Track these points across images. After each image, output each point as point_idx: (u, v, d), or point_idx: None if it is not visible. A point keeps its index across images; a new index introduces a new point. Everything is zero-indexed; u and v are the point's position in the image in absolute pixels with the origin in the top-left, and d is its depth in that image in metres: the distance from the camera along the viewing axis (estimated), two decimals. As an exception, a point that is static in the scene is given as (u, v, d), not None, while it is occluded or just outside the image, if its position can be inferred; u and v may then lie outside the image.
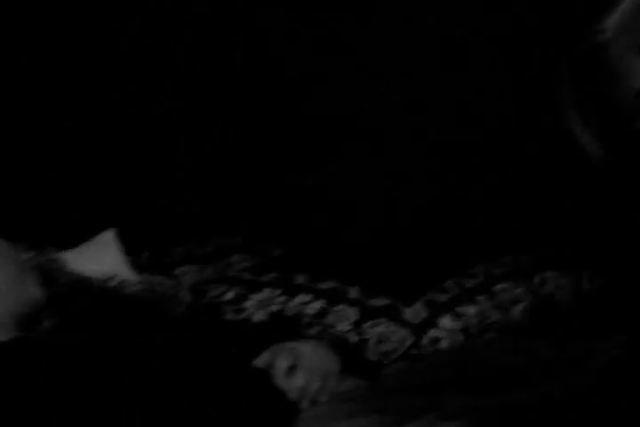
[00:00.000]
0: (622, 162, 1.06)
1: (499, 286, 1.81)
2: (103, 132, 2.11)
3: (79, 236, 1.87)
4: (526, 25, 1.95)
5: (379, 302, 1.77)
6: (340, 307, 1.76)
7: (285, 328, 1.75)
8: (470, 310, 1.76)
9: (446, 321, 1.74)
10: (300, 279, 1.83)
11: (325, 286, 1.81)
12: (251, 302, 1.80)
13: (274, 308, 1.79)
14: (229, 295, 1.82)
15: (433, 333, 1.73)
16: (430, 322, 1.74)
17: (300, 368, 1.51)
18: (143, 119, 2.11)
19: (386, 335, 1.72)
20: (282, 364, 1.51)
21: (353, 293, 1.79)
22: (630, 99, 0.99)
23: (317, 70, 2.06)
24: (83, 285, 1.59)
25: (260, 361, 1.52)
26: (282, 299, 1.80)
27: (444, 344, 1.72)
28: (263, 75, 2.08)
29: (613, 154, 1.03)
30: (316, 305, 1.77)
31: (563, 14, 1.79)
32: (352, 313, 1.75)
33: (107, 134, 2.11)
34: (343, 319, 1.74)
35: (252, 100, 2.10)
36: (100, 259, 1.75)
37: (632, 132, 1.03)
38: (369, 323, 1.73)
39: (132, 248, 1.87)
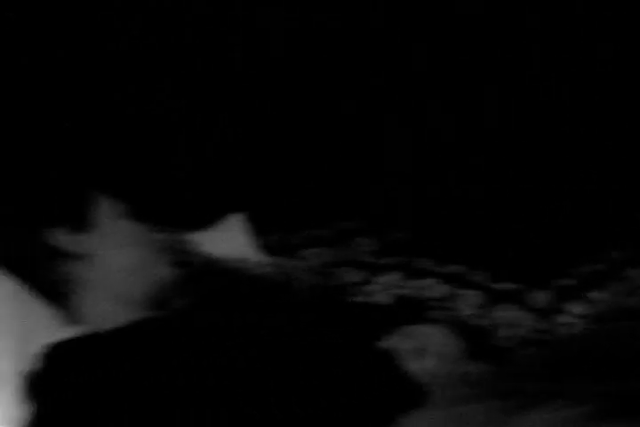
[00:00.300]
0: None
1: (630, 271, 1.78)
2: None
3: (210, 218, 1.89)
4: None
5: (505, 286, 1.75)
6: (466, 291, 1.75)
7: (410, 312, 1.75)
8: (601, 295, 1.74)
9: (575, 307, 1.71)
10: (425, 263, 1.83)
11: (451, 269, 1.80)
12: (376, 286, 1.80)
13: (398, 291, 1.78)
14: (354, 278, 1.82)
15: (561, 318, 1.70)
16: (558, 307, 1.72)
17: (428, 352, 1.51)
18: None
19: (512, 320, 1.70)
20: (409, 347, 1.51)
21: (479, 277, 1.77)
22: None
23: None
24: (213, 266, 1.61)
25: (388, 343, 1.52)
26: (406, 283, 1.79)
27: (572, 330, 1.70)
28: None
29: None
30: (441, 289, 1.76)
31: None
32: (478, 298, 1.74)
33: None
34: (469, 304, 1.73)
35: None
36: (231, 241, 1.77)
37: None
38: (495, 308, 1.72)
39: (261, 230, 1.88)
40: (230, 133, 2.11)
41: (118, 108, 2.09)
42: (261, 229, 1.87)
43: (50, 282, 1.64)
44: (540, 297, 1.73)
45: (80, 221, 1.66)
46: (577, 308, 1.71)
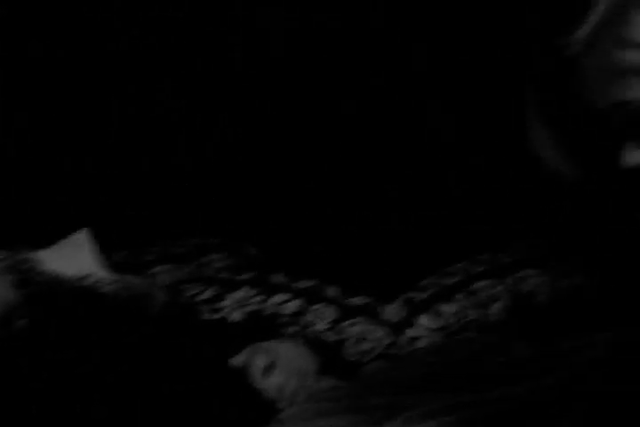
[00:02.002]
0: (593, 178, 1.05)
1: (477, 284, 1.81)
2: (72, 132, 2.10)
3: (53, 235, 1.85)
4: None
5: (357, 300, 1.76)
6: (318, 306, 1.75)
7: (263, 328, 1.74)
8: (449, 308, 1.76)
9: (425, 320, 1.73)
10: (278, 278, 1.82)
11: (303, 284, 1.80)
12: (227, 302, 1.79)
13: (251, 307, 1.77)
14: (206, 295, 1.80)
15: (411, 331, 1.72)
16: (409, 321, 1.73)
17: (278, 367, 1.50)
18: (111, 120, 2.10)
19: (364, 334, 1.71)
20: (258, 363, 1.50)
21: (331, 291, 1.77)
22: (607, 111, 0.98)
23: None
24: (57, 284, 1.57)
25: (237, 361, 1.51)
26: (259, 298, 1.78)
27: (422, 343, 1.71)
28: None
29: (584, 170, 1.02)
30: (294, 304, 1.76)
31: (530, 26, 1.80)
32: (330, 312, 1.74)
33: (78, 135, 2.10)
34: (321, 318, 1.73)
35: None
36: (75, 258, 1.73)
37: (607, 148, 1.03)
38: (347, 322, 1.72)
39: (107, 247, 1.85)
40: (75, 149, 2.07)
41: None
42: (108, 246, 1.83)
43: None
44: (391, 311, 1.74)
45: None
46: (427, 321, 1.73)
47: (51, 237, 1.82)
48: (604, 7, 0.95)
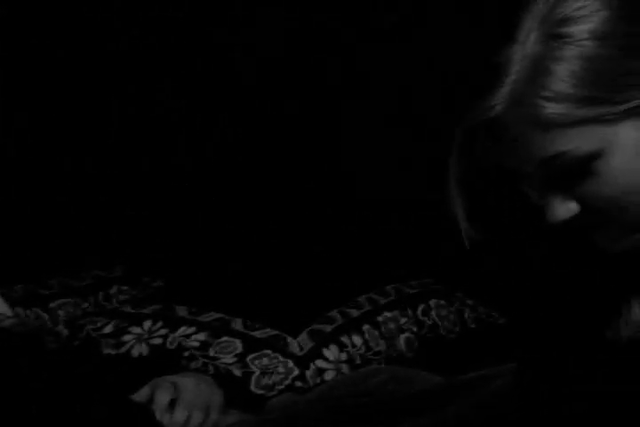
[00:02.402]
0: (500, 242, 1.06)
1: (384, 316, 1.80)
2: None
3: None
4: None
5: (263, 333, 1.74)
6: (224, 339, 1.72)
7: (167, 362, 1.70)
8: (355, 340, 1.75)
9: (331, 352, 1.72)
10: (182, 311, 1.79)
11: (208, 317, 1.77)
12: (130, 336, 1.75)
13: (154, 341, 1.74)
14: (108, 329, 1.76)
15: (318, 364, 1.70)
16: (316, 353, 1.72)
17: (182, 402, 1.47)
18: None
19: (270, 367, 1.69)
20: (162, 398, 1.46)
21: (237, 324, 1.75)
22: (531, 170, 0.99)
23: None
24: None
25: (140, 396, 1.47)
26: (163, 331, 1.75)
27: (329, 375, 1.70)
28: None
29: (491, 234, 1.03)
30: (199, 337, 1.73)
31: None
32: (236, 345, 1.72)
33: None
34: (227, 352, 1.71)
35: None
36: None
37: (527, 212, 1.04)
38: (253, 355, 1.70)
39: (3, 281, 1.81)
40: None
41: None
42: (4, 279, 1.79)
43: None
44: (298, 343, 1.73)
45: None
46: (334, 353, 1.72)
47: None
48: (522, 64, 0.96)
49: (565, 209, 1.00)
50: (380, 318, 1.79)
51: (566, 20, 0.97)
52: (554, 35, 0.97)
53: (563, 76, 0.96)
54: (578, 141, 0.97)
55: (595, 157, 0.97)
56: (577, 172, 0.98)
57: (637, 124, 0.97)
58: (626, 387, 1.07)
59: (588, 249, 1.08)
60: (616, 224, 1.01)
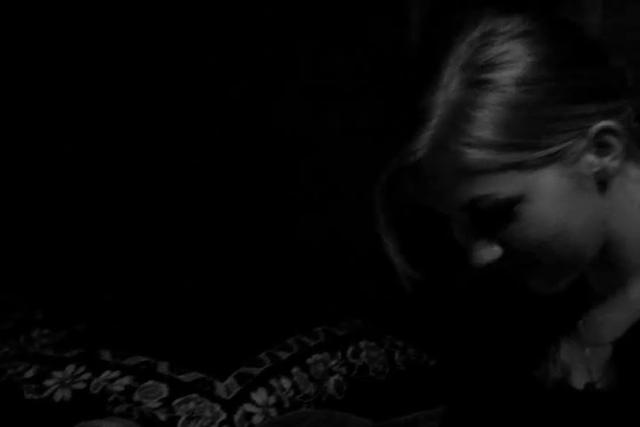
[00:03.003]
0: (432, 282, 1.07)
1: (313, 358, 1.79)
2: None
3: None
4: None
5: (189, 377, 1.71)
6: (149, 383, 1.69)
7: (90, 406, 1.67)
8: (284, 383, 1.73)
9: (259, 395, 1.70)
10: (106, 355, 1.76)
11: (133, 361, 1.74)
12: (53, 380, 1.71)
13: (78, 385, 1.70)
14: (30, 373, 1.72)
15: (246, 408, 1.68)
16: (243, 397, 1.69)
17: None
18: None
19: (197, 412, 1.66)
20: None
21: (162, 368, 1.72)
22: (455, 214, 0.99)
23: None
24: None
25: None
26: (86, 376, 1.71)
27: (257, 419, 1.67)
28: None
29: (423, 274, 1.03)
30: (124, 381, 1.70)
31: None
32: (162, 389, 1.68)
33: None
34: (152, 396, 1.67)
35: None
36: None
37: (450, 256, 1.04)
38: (179, 399, 1.67)
39: None
40: None
41: None
42: None
43: None
44: (225, 387, 1.70)
45: None
46: (262, 396, 1.70)
47: None
48: (444, 109, 0.96)
49: (489, 252, 1.01)
50: (309, 361, 1.78)
51: (489, 66, 0.97)
52: (476, 81, 0.97)
53: (484, 122, 0.96)
54: (499, 187, 0.97)
55: (516, 201, 0.98)
56: (499, 216, 0.98)
57: (556, 169, 0.98)
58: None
59: (519, 291, 1.08)
60: (543, 267, 1.02)
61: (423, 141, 0.97)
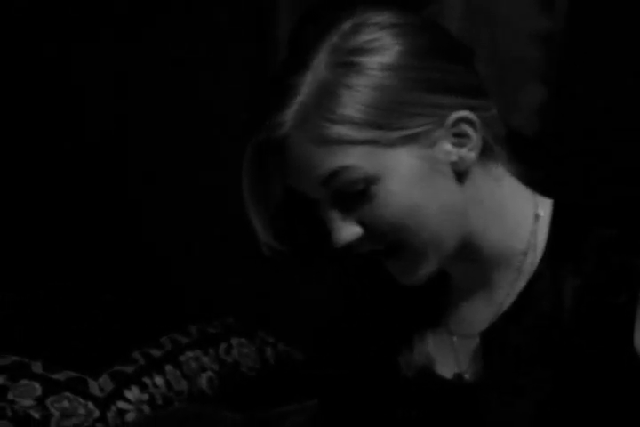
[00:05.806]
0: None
1: (186, 355, 1.82)
2: None
3: None
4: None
5: (63, 375, 1.72)
6: (23, 382, 1.69)
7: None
8: (157, 380, 1.75)
9: (133, 393, 1.72)
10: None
11: (6, 360, 1.74)
12: None
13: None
14: None
15: (119, 405, 1.70)
16: (117, 394, 1.71)
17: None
18: None
19: (70, 410, 1.67)
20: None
21: (35, 367, 1.73)
22: (314, 189, 1.04)
23: None
24: None
25: None
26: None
27: (130, 416, 1.69)
28: None
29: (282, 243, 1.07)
30: (-3, 381, 1.70)
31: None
32: (35, 388, 1.69)
33: None
34: (26, 395, 1.68)
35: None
36: None
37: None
38: (53, 397, 1.68)
39: None
40: None
41: None
42: None
43: None
44: (98, 385, 1.72)
45: None
46: (135, 394, 1.72)
47: None
48: (312, 87, 1.02)
49: (349, 232, 1.06)
50: (182, 358, 1.81)
51: (357, 51, 1.04)
52: (343, 63, 1.03)
53: (347, 101, 1.03)
54: (357, 160, 1.03)
55: (372, 180, 1.04)
56: (358, 195, 1.04)
57: (412, 151, 1.04)
58: (422, 416, 1.12)
59: (385, 280, 1.13)
60: (402, 253, 1.07)
61: (289, 115, 1.03)
